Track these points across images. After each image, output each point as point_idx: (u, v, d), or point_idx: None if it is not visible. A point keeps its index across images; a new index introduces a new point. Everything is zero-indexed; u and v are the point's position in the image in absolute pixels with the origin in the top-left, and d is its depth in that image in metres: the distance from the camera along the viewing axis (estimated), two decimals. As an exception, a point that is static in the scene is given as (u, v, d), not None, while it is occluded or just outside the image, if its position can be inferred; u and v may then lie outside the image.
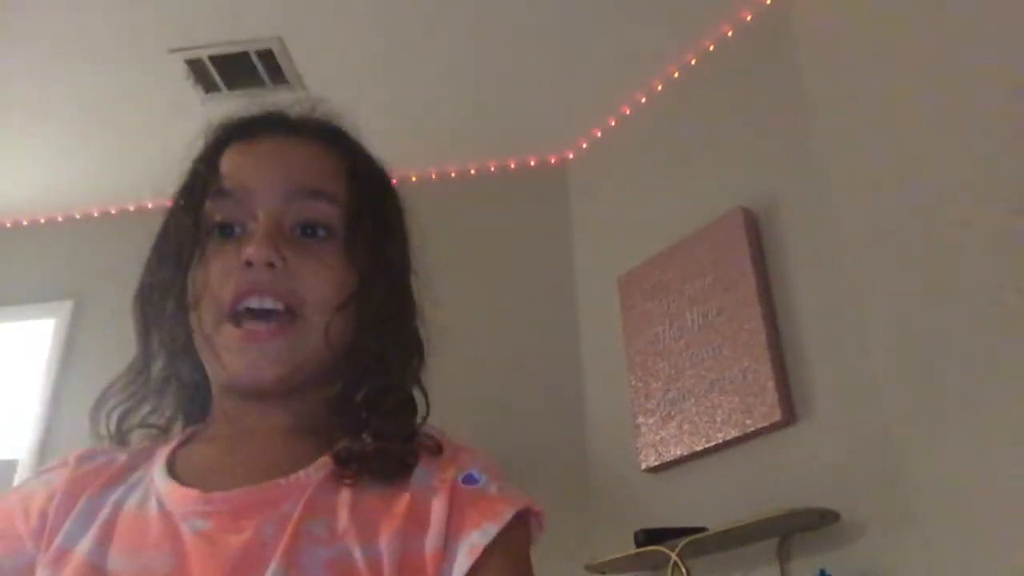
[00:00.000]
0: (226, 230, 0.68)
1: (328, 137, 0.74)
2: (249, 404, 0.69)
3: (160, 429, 0.73)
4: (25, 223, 3.59)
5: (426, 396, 0.71)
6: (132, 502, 0.65)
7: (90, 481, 0.68)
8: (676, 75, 2.99)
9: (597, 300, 3.01)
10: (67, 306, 3.32)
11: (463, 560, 0.60)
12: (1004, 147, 1.95)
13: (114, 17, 2.74)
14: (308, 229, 0.69)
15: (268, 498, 0.62)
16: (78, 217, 3.57)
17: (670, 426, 2.56)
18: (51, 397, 3.17)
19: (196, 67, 2.91)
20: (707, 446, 2.44)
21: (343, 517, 0.61)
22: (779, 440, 2.31)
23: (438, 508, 0.63)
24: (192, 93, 2.98)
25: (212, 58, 2.88)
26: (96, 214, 3.56)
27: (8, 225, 3.59)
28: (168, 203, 0.74)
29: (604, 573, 2.48)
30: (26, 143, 3.25)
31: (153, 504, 0.64)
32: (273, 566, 0.58)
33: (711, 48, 2.90)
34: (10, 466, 3.12)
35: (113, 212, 3.54)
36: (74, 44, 2.83)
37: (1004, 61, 1.99)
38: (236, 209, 0.68)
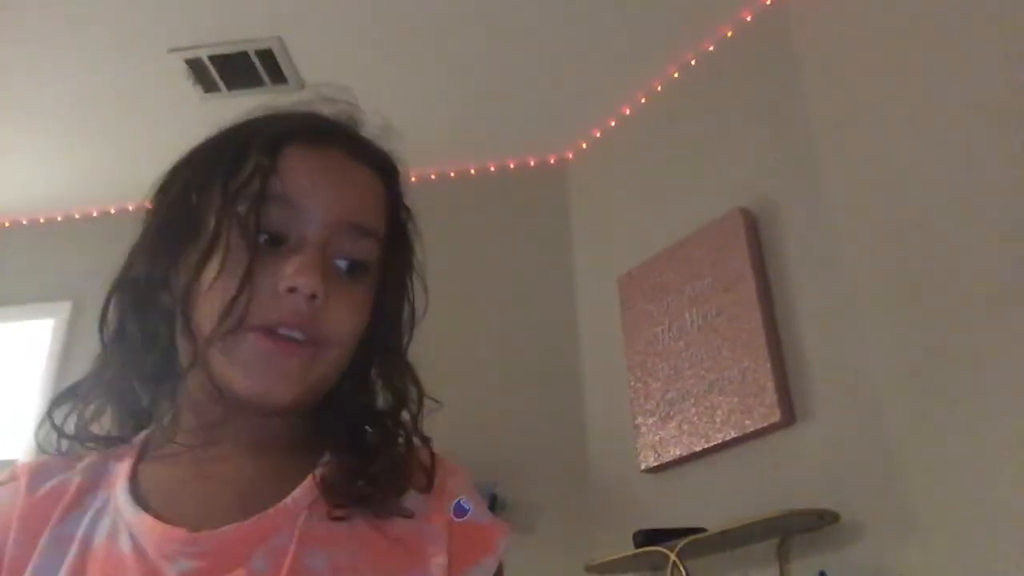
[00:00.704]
0: (270, 237, 0.63)
1: (384, 168, 0.71)
2: (230, 417, 0.65)
3: (118, 440, 0.69)
4: (24, 223, 3.59)
5: (424, 437, 0.70)
6: (101, 536, 0.61)
7: (48, 509, 0.63)
8: (676, 75, 2.99)
9: (597, 301, 3.01)
10: (66, 306, 3.32)
11: None
12: (1004, 147, 1.95)
13: (113, 17, 2.74)
14: (351, 266, 0.65)
15: (258, 532, 0.59)
16: (77, 217, 3.57)
17: (669, 426, 2.56)
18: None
19: (195, 67, 2.91)
20: (706, 447, 2.44)
21: (341, 550, 0.60)
22: (778, 441, 2.31)
23: (437, 541, 0.63)
24: (191, 93, 2.98)
25: (212, 58, 2.88)
26: (95, 214, 3.56)
27: (7, 225, 3.59)
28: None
29: (603, 573, 2.47)
30: (26, 143, 3.24)
31: (125, 540, 0.60)
32: None
33: (711, 48, 2.90)
34: (7, 466, 3.12)
35: (112, 212, 3.54)
36: (73, 44, 2.83)
37: (1004, 61, 1.99)
38: (286, 217, 0.63)
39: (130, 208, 3.53)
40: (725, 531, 2.16)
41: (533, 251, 3.24)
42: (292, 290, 0.61)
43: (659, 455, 2.56)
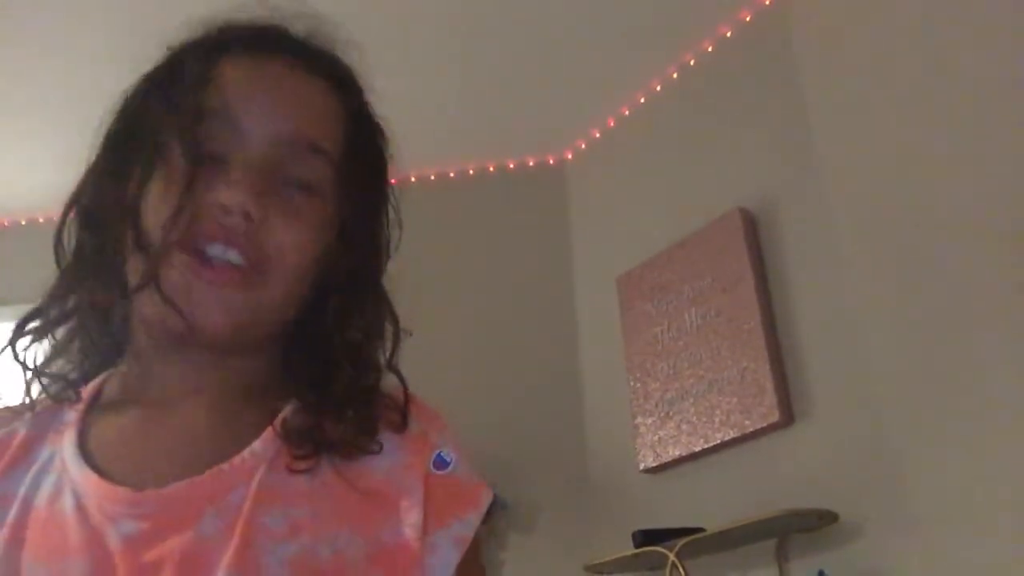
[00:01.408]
0: (203, 152, 0.58)
1: (338, 76, 0.66)
2: (178, 356, 0.60)
3: (75, 383, 0.63)
4: (23, 222, 3.59)
5: (399, 373, 0.64)
6: (43, 495, 0.56)
7: None
8: (675, 76, 2.99)
9: (596, 301, 3.01)
10: (65, 306, 3.32)
11: (451, 552, 0.57)
12: (1004, 148, 1.95)
13: (111, 16, 2.74)
14: (299, 181, 0.61)
15: (210, 490, 0.54)
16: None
17: (668, 427, 2.56)
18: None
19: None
20: (705, 447, 2.44)
21: (302, 506, 0.55)
22: (777, 441, 2.32)
23: (412, 494, 0.58)
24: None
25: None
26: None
27: (6, 224, 3.59)
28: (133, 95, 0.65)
29: (602, 573, 2.48)
30: (25, 143, 3.24)
31: (68, 499, 0.55)
32: (221, 572, 0.50)
33: (710, 49, 2.90)
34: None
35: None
36: (71, 43, 2.83)
37: (1005, 61, 2.00)
38: (222, 132, 0.59)
39: (129, 208, 3.53)
40: (724, 531, 2.16)
41: (532, 251, 3.24)
42: (226, 209, 0.56)
43: (658, 455, 2.57)
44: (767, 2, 2.73)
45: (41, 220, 3.60)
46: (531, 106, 3.13)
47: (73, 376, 0.64)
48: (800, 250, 2.44)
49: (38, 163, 3.36)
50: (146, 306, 0.59)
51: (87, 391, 0.63)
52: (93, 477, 0.56)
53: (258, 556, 0.52)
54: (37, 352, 0.64)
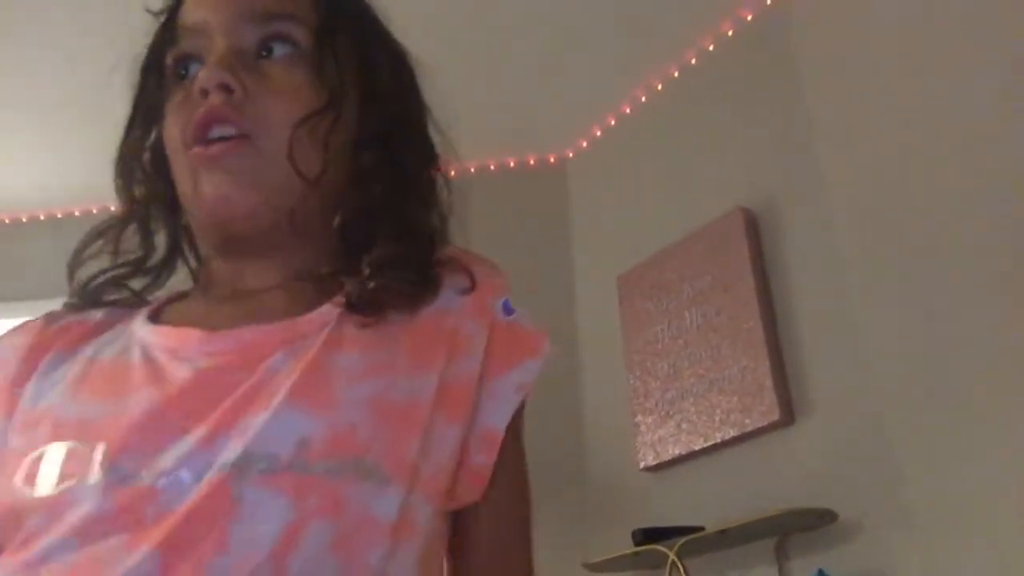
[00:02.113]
0: (187, 69, 0.63)
1: None
2: (242, 264, 0.63)
3: (142, 295, 0.67)
4: (24, 219, 3.59)
5: (444, 220, 0.67)
6: (108, 352, 0.60)
7: (59, 337, 0.62)
8: (676, 74, 2.99)
9: (596, 299, 3.01)
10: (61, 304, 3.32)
11: (512, 397, 0.60)
12: (1003, 147, 1.95)
13: (109, 12, 2.74)
14: (269, 45, 0.62)
15: (281, 336, 0.56)
16: (77, 214, 3.57)
17: (668, 425, 2.56)
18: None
19: (196, 64, 2.91)
20: (705, 445, 2.44)
21: (375, 351, 0.56)
22: (777, 440, 2.32)
23: (476, 338, 0.60)
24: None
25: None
26: (95, 211, 3.56)
27: (6, 222, 3.59)
28: None
29: (602, 572, 2.48)
30: (23, 140, 3.24)
31: (136, 352, 0.58)
32: (282, 394, 0.52)
33: (711, 47, 2.89)
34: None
35: (112, 209, 3.54)
36: (71, 40, 2.83)
37: (1004, 60, 1.99)
38: (194, 46, 0.63)
39: (130, 205, 3.53)
40: (724, 530, 2.16)
41: (533, 250, 3.24)
42: (203, 94, 0.59)
43: (658, 454, 2.57)
44: (768, 1, 2.73)
45: (41, 217, 3.60)
46: (532, 104, 3.13)
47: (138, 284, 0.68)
48: (801, 249, 2.44)
49: (36, 161, 3.36)
50: (193, 220, 0.63)
51: (159, 296, 0.67)
52: (163, 328, 0.59)
53: (331, 388, 0.53)
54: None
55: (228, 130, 0.59)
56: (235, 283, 0.63)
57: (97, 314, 0.65)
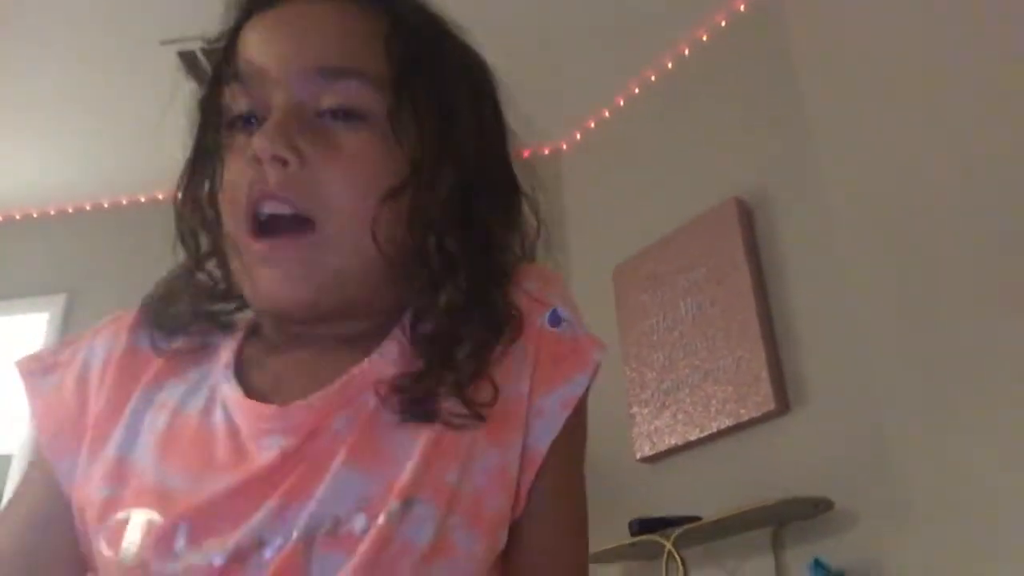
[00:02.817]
0: (250, 120, 0.57)
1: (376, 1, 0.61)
2: (300, 328, 0.60)
3: (225, 317, 0.64)
4: (18, 217, 3.58)
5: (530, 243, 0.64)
6: (195, 408, 0.58)
7: (143, 367, 0.61)
8: (670, 66, 2.99)
9: (591, 291, 3.01)
10: (60, 300, 3.31)
11: (558, 414, 0.57)
12: (1002, 141, 1.95)
13: (104, 9, 2.72)
14: (339, 115, 0.56)
15: (343, 396, 0.56)
16: (71, 211, 3.56)
17: (664, 416, 2.57)
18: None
19: (188, 59, 2.90)
20: (701, 436, 2.45)
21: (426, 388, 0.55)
22: (773, 429, 2.32)
23: (522, 358, 0.58)
24: (184, 86, 2.97)
25: (204, 51, 2.87)
26: (89, 207, 3.55)
27: (1, 219, 3.58)
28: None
29: (599, 562, 2.48)
30: (18, 137, 3.23)
31: (219, 415, 0.57)
32: (342, 456, 0.52)
33: (705, 38, 2.89)
34: (5, 461, 3.12)
35: (106, 205, 3.53)
36: (64, 36, 2.82)
37: (1002, 56, 1.99)
38: (253, 95, 0.57)
39: (124, 201, 3.52)
40: (720, 519, 2.17)
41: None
42: (257, 160, 0.54)
43: (654, 444, 2.57)
44: (761, -9, 2.73)
45: (35, 214, 3.59)
46: (526, 96, 3.11)
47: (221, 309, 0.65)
48: (795, 239, 2.44)
49: (31, 157, 3.35)
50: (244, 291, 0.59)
51: (243, 323, 0.64)
52: (242, 398, 0.57)
53: (388, 445, 0.53)
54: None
55: (285, 209, 0.55)
56: (303, 338, 0.61)
57: (179, 338, 0.62)
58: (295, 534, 0.50)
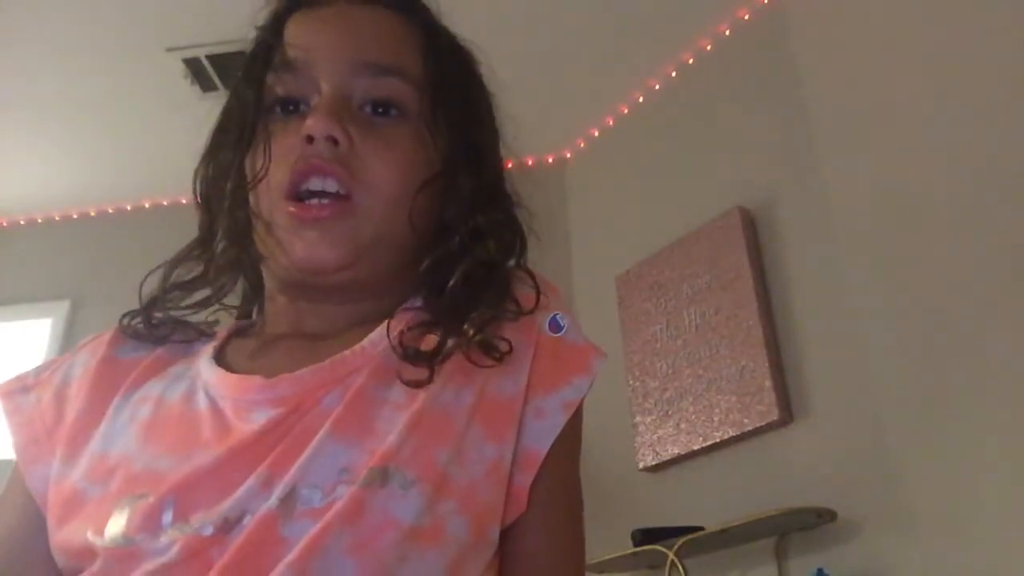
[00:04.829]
0: (289, 106, 0.62)
1: (401, 6, 0.67)
2: (311, 307, 0.63)
3: (208, 327, 0.67)
4: (22, 222, 3.59)
5: (532, 276, 0.66)
6: (176, 396, 0.60)
7: (124, 374, 0.63)
8: (674, 74, 2.99)
9: (595, 299, 3.01)
10: (64, 306, 3.32)
11: (558, 416, 0.59)
12: (1003, 146, 1.95)
13: (111, 16, 2.74)
14: (379, 108, 0.62)
15: (334, 373, 0.57)
16: (75, 217, 3.57)
17: (667, 425, 2.56)
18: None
19: (193, 66, 2.91)
20: (704, 445, 2.44)
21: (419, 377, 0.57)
22: (776, 439, 2.32)
23: (520, 357, 0.59)
24: (189, 92, 2.98)
25: (209, 57, 2.88)
26: (93, 214, 3.56)
27: (5, 224, 3.59)
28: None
29: (602, 572, 2.48)
30: (23, 142, 3.24)
31: (202, 398, 0.59)
32: (326, 429, 0.53)
33: (709, 47, 2.90)
34: (8, 466, 3.12)
35: (110, 211, 3.54)
36: (70, 43, 2.83)
37: (1004, 60, 2.00)
38: (299, 82, 0.62)
39: (128, 207, 3.53)
40: (723, 529, 2.16)
41: (531, 250, 3.23)
42: (310, 140, 0.59)
43: (657, 454, 2.57)
44: (765, 0, 2.73)
45: (39, 220, 3.60)
46: (530, 105, 3.11)
47: (203, 315, 0.68)
48: (799, 249, 2.44)
49: (37, 163, 3.36)
50: (272, 262, 0.62)
51: (222, 330, 0.67)
52: (224, 374, 0.60)
53: (373, 418, 0.55)
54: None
55: (330, 185, 0.59)
56: (297, 324, 0.64)
57: (160, 348, 0.65)
58: (272, 503, 0.51)
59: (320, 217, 0.59)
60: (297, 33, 0.63)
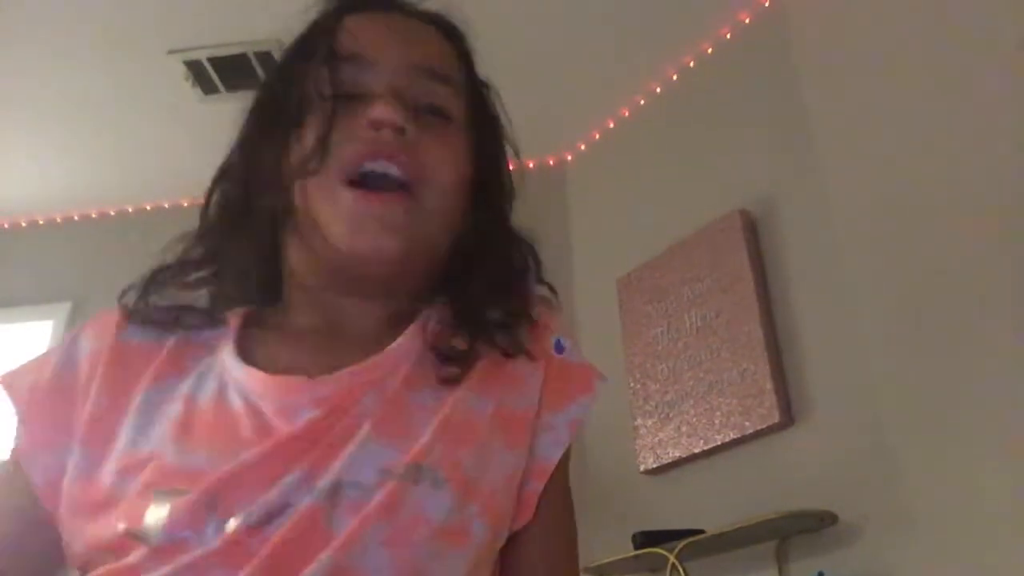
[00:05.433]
0: (344, 96, 0.63)
1: (444, 26, 0.72)
2: (349, 300, 0.65)
3: (215, 312, 0.67)
4: (24, 224, 3.59)
5: (552, 288, 0.71)
6: (206, 392, 0.60)
7: (140, 366, 0.62)
8: (674, 78, 3.00)
9: (596, 302, 3.01)
10: (65, 308, 3.32)
11: (564, 432, 0.63)
12: (1002, 149, 1.95)
13: (112, 18, 2.74)
14: (432, 111, 0.65)
15: (371, 375, 0.59)
16: (76, 219, 3.57)
17: (668, 428, 2.56)
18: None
19: (195, 68, 2.91)
20: (705, 448, 2.44)
21: (448, 385, 0.60)
22: (777, 442, 2.31)
23: (532, 377, 0.64)
24: (191, 94, 2.98)
25: (211, 59, 2.88)
26: (95, 215, 3.56)
27: (6, 227, 3.59)
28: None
29: (602, 575, 2.47)
30: (25, 144, 3.24)
31: (235, 398, 0.59)
32: (363, 432, 0.55)
33: (709, 51, 2.90)
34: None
35: (112, 214, 3.54)
36: (72, 45, 2.83)
37: (1002, 62, 2.00)
38: (359, 75, 0.63)
39: (130, 209, 3.53)
40: (724, 532, 2.16)
41: (532, 253, 3.24)
42: (377, 126, 0.60)
43: (658, 457, 2.57)
44: (766, 3, 2.74)
45: (41, 221, 3.60)
46: (531, 108, 3.12)
47: (209, 304, 0.68)
48: (799, 251, 2.44)
49: (38, 165, 3.36)
50: (319, 248, 0.62)
51: (233, 318, 0.67)
52: (261, 375, 0.60)
53: (409, 421, 0.57)
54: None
55: (393, 169, 0.61)
56: (324, 316, 0.65)
57: (170, 336, 0.64)
58: (319, 496, 0.52)
59: (388, 203, 0.60)
60: (357, 31, 0.65)
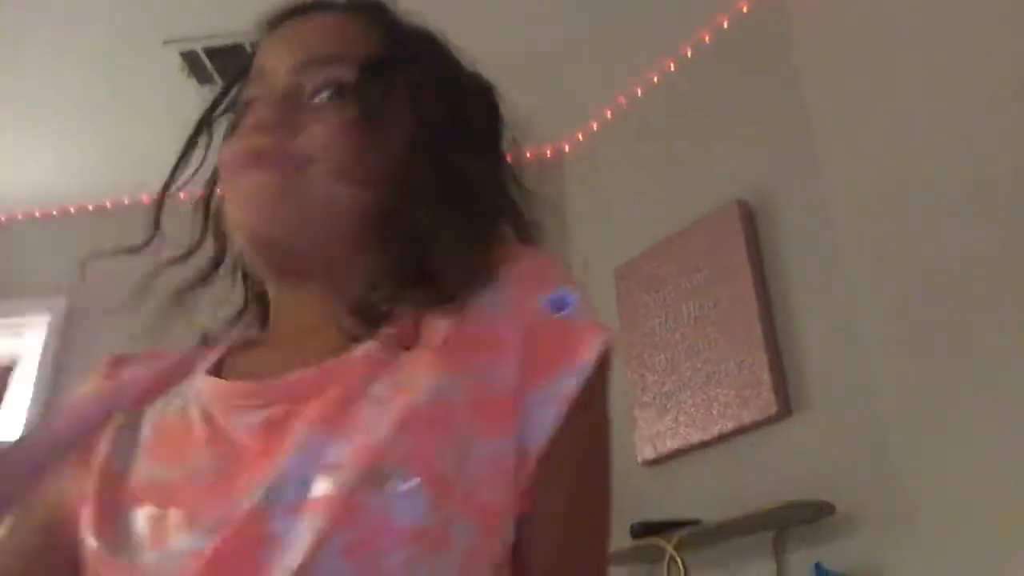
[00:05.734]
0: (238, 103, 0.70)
1: (354, 8, 0.72)
2: (300, 292, 0.66)
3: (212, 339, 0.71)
4: (20, 218, 3.57)
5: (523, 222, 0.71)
6: (173, 407, 0.63)
7: (124, 393, 0.66)
8: (672, 67, 2.98)
9: (593, 292, 2.97)
10: (61, 302, 3.31)
11: (558, 405, 0.56)
12: (1002, 143, 1.95)
13: (107, 8, 2.72)
14: (326, 95, 0.65)
15: (323, 378, 0.57)
16: (72, 212, 3.56)
17: (666, 419, 2.56)
18: (44, 394, 3.16)
19: (191, 59, 2.90)
20: (703, 439, 2.44)
21: (409, 371, 0.55)
22: (775, 433, 2.32)
23: (511, 342, 0.57)
24: (187, 85, 2.96)
25: (207, 50, 2.86)
26: (90, 209, 3.55)
27: (2, 220, 3.58)
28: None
29: (601, 566, 2.48)
30: (20, 138, 3.23)
31: (194, 409, 0.61)
32: (306, 426, 0.54)
33: (707, 40, 2.89)
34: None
35: (108, 207, 3.53)
36: (67, 37, 2.82)
37: (1004, 57, 1.99)
38: (255, 88, 0.67)
39: (126, 203, 3.51)
40: (722, 523, 2.17)
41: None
42: (246, 131, 0.65)
43: (656, 447, 2.57)
44: (764, -7, 2.73)
45: (37, 215, 3.59)
46: (528, 98, 3.10)
47: (210, 327, 0.72)
48: (798, 242, 2.44)
49: (33, 159, 3.35)
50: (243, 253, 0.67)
51: (225, 341, 0.70)
52: (215, 382, 0.62)
53: (358, 412, 0.53)
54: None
55: (267, 140, 0.63)
56: (296, 318, 0.66)
57: (157, 365, 0.68)
58: (260, 498, 0.51)
59: (259, 165, 0.61)
60: (264, 47, 0.70)
